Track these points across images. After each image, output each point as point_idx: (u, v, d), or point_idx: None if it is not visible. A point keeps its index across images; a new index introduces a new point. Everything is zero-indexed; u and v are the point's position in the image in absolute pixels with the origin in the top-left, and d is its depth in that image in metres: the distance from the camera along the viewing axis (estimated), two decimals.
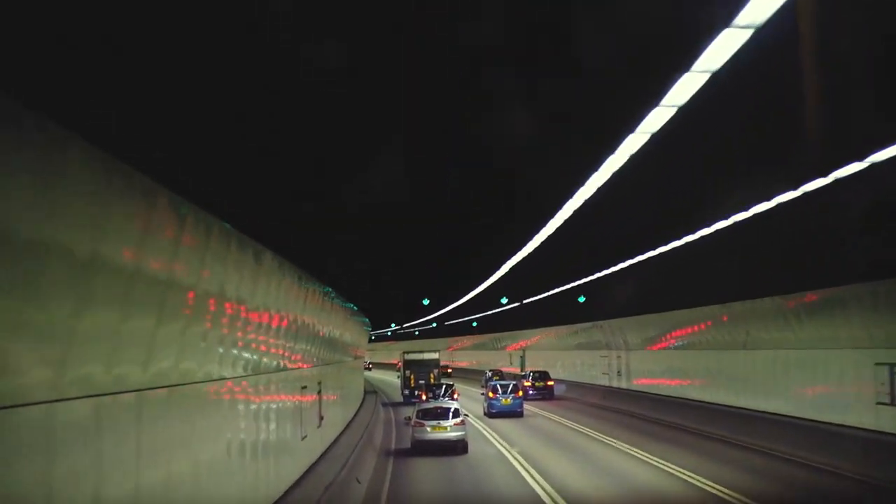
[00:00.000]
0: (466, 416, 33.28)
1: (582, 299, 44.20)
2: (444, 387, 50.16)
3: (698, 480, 24.65)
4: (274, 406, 18.91)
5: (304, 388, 23.70)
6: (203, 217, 11.91)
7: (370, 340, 68.53)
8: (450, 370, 69.65)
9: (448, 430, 31.24)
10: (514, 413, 47.50)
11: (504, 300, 47.92)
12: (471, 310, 56.90)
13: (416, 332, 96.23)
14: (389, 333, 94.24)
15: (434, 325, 69.01)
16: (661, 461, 28.38)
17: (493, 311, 58.46)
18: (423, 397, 46.62)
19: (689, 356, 41.50)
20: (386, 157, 14.54)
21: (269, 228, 15.43)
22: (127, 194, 9.31)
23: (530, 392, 54.88)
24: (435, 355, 60.45)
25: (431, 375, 57.49)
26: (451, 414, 31.70)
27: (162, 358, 10.92)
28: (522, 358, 74.54)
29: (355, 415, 41.30)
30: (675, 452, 30.14)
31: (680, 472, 26.21)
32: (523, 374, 65.96)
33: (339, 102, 11.21)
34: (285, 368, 20.44)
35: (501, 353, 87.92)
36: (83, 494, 8.72)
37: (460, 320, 75.03)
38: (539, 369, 65.67)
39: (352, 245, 22.03)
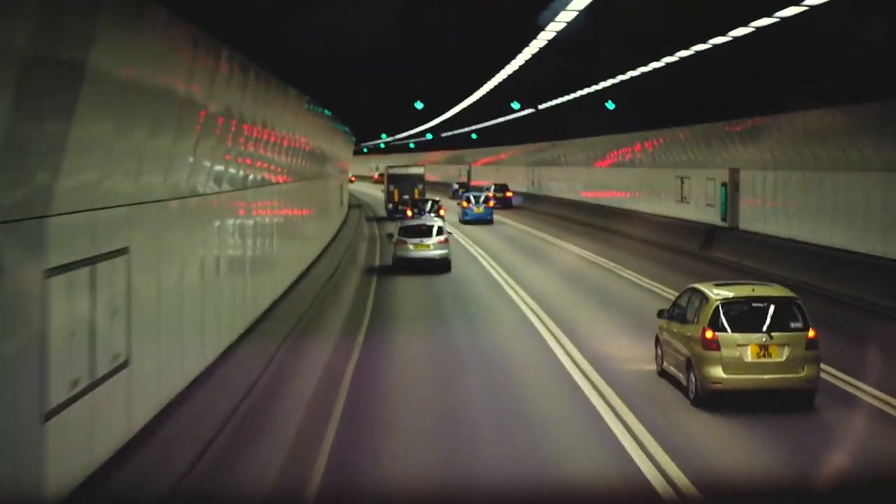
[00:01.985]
0: (450, 233, 31.09)
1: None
2: (430, 202, 46.93)
3: None
4: (263, 220, 18.70)
5: (292, 201, 23.34)
6: None
7: (353, 154, 66.45)
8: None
9: (431, 248, 28.98)
10: (485, 220, 50.32)
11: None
12: (449, 126, 54.80)
13: (382, 146, 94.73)
14: (366, 150, 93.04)
15: (430, 136, 64.89)
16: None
17: (462, 131, 57.37)
18: (409, 214, 43.43)
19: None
20: None
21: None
22: None
23: (492, 202, 55.20)
24: (419, 170, 55.93)
25: (416, 191, 52.70)
26: (434, 231, 29.43)
27: None
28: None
29: (341, 226, 41.41)
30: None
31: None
32: (487, 186, 66.60)
33: None
34: (271, 183, 19.62)
35: (465, 168, 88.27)
36: None
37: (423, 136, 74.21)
38: (500, 182, 67.98)
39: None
